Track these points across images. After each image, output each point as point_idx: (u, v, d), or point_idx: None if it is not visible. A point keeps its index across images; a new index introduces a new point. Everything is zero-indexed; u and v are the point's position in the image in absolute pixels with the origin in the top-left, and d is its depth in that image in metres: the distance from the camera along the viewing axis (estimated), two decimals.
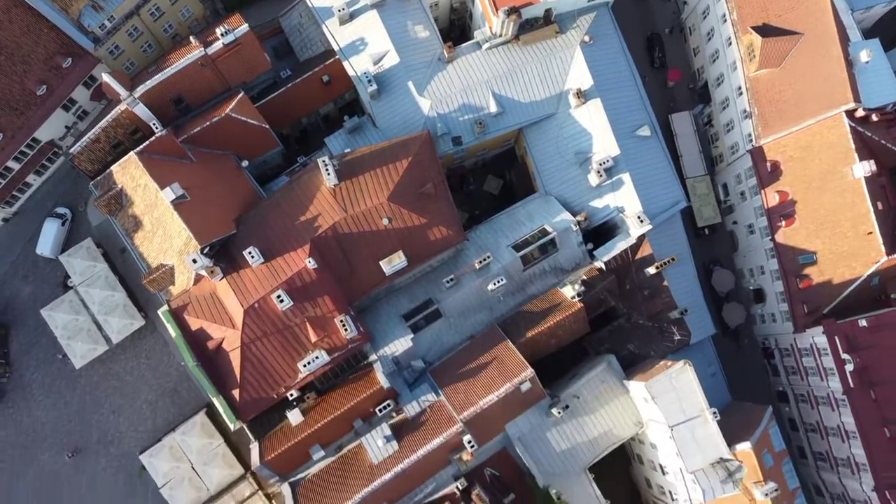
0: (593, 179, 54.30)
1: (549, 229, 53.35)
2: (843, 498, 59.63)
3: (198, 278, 49.30)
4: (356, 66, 54.99)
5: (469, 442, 48.52)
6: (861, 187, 53.18)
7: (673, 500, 54.17)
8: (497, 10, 52.87)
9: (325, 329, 48.91)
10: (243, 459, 58.35)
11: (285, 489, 50.87)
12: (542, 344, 53.29)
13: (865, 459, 54.02)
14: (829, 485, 61.14)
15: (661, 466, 53.97)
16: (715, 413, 49.24)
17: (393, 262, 50.13)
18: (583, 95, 54.67)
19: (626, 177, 53.71)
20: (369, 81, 53.63)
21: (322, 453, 50.55)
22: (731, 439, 50.27)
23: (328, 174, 48.65)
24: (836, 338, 53.56)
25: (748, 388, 63.26)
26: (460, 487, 50.41)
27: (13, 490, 59.97)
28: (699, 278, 59.32)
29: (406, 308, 53.13)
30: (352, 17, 55.50)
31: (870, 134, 53.40)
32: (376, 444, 49.24)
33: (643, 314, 55.89)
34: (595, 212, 55.03)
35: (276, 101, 55.55)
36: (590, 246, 54.80)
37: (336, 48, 55.54)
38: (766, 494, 48.74)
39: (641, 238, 54.38)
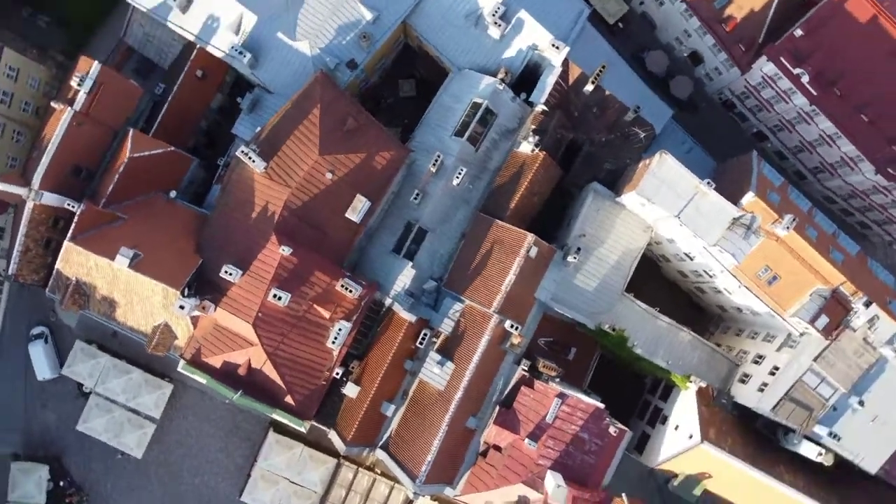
0: (494, 32, 52.72)
1: (479, 100, 52.24)
2: (855, 194, 61.70)
3: (195, 320, 48.72)
4: (221, 46, 52.27)
5: (511, 326, 49.48)
6: None
7: (711, 276, 55.86)
8: None
9: (332, 301, 48.79)
10: (330, 449, 59.54)
11: (380, 454, 52.20)
12: (528, 206, 53.42)
13: (857, 151, 55.41)
14: (835, 189, 63.09)
15: (686, 255, 55.37)
16: (709, 183, 49.85)
17: (357, 208, 49.48)
18: None
19: (522, 14, 52.16)
20: (240, 53, 51.08)
21: (392, 406, 51.58)
22: (734, 196, 51.18)
23: (253, 161, 47.14)
24: (782, 58, 53.70)
25: (725, 145, 63.92)
26: (526, 369, 51.84)
27: None
28: (635, 71, 58.75)
29: (392, 242, 52.84)
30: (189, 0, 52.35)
31: None
32: (433, 372, 50.10)
33: (602, 131, 55.65)
34: (511, 62, 53.75)
35: (165, 119, 53.29)
36: (524, 96, 53.88)
37: (192, 38, 52.74)
38: (787, 227, 50.16)
39: (566, 63, 53.36)
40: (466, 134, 52.14)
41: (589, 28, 56.35)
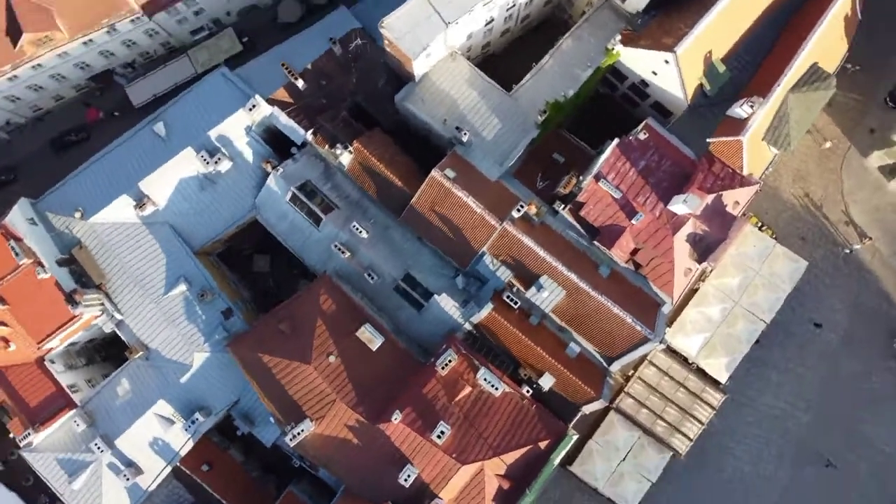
0: (225, 165, 53.03)
1: (288, 194, 52.29)
2: None
3: None
4: (177, 445, 52.14)
5: (517, 210, 49.99)
6: None
7: (515, 3, 55.88)
8: None
9: (455, 380, 48.66)
10: (601, 415, 58.87)
11: (614, 367, 52.09)
12: (405, 170, 53.31)
13: None
14: None
15: (487, 25, 55.35)
16: None
17: (371, 339, 49.17)
18: (144, 205, 52.14)
19: (215, 132, 52.69)
20: (191, 425, 51.11)
21: (571, 344, 51.15)
22: None
23: (303, 432, 46.91)
24: None
25: None
26: (565, 206, 52.01)
27: None
28: (290, 39, 57.93)
29: (411, 310, 52.52)
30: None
31: None
32: (544, 297, 49.72)
33: (347, 81, 55.69)
34: (258, 153, 54.01)
35: None
36: (295, 149, 54.33)
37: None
38: None
39: (271, 101, 53.27)
40: (320, 214, 52.05)
41: (239, 73, 55.91)
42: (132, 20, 56.68)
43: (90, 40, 56.91)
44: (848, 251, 62.27)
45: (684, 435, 57.49)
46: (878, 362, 61.59)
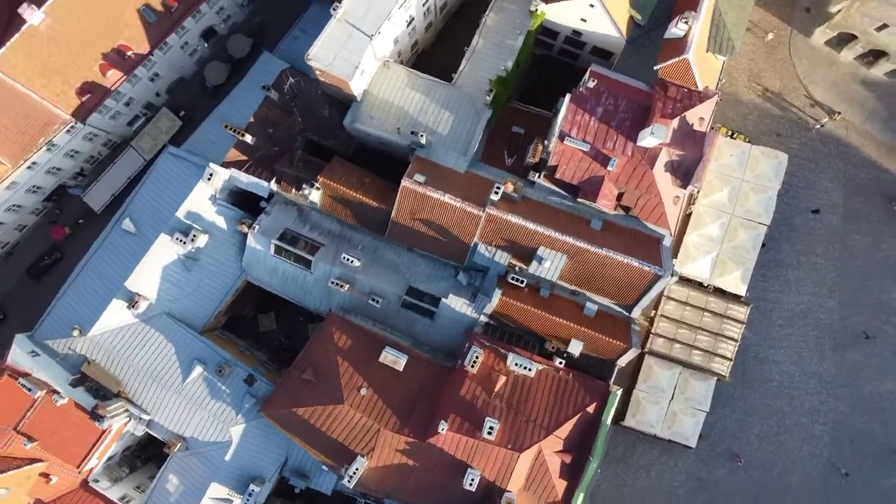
0: (202, 241, 52.38)
1: (271, 247, 51.98)
2: None
3: None
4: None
5: (495, 192, 49.82)
6: None
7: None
8: None
9: (488, 373, 48.54)
10: (636, 367, 58.93)
11: (635, 313, 52.16)
12: (375, 189, 53.23)
13: None
14: None
15: (409, 23, 55.45)
16: (333, 9, 49.89)
17: (394, 359, 49.05)
18: (136, 303, 51.83)
19: (181, 211, 52.32)
20: (249, 496, 50.57)
21: (587, 304, 51.35)
22: None
23: (357, 471, 46.62)
24: None
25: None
26: (540, 174, 51.97)
27: None
28: (230, 93, 58.21)
29: (425, 320, 52.40)
30: None
31: None
32: (547, 268, 49.79)
33: (294, 122, 55.58)
34: (229, 216, 53.87)
35: None
36: (264, 203, 54.06)
37: None
38: None
39: (226, 164, 53.13)
40: (307, 257, 51.76)
41: (187, 147, 55.87)
42: (67, 130, 56.38)
43: (33, 163, 56.61)
44: (819, 126, 62.45)
45: (722, 357, 57.44)
46: (883, 229, 61.85)
